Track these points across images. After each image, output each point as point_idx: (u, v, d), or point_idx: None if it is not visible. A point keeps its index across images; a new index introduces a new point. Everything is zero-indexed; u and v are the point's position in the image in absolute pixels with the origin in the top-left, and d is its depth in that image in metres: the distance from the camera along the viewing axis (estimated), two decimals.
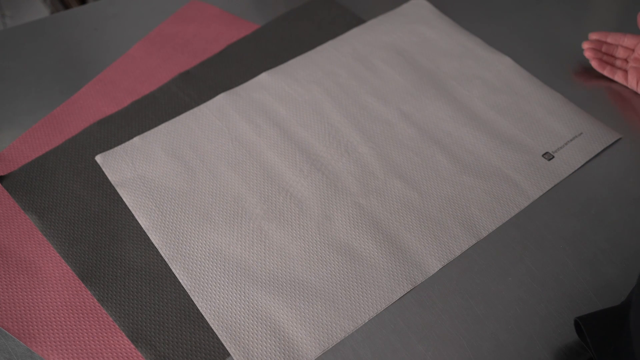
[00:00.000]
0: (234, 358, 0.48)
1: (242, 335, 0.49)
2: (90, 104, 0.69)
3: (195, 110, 0.67)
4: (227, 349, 0.49)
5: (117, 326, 0.51)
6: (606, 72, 0.68)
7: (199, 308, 0.51)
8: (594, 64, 0.68)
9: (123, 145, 0.64)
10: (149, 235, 0.56)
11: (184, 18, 0.80)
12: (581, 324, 0.45)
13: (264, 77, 0.71)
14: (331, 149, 0.63)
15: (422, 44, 0.74)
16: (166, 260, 0.54)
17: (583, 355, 0.48)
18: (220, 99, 0.68)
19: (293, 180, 0.60)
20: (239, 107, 0.67)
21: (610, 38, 0.68)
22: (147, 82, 0.72)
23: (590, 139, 0.62)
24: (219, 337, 0.49)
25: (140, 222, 0.57)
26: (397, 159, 0.62)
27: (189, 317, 0.51)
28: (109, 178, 0.61)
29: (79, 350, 0.50)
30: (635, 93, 0.67)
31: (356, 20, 0.79)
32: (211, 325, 0.50)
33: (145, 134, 0.65)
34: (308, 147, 0.63)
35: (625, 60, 0.67)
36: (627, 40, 0.67)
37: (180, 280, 0.53)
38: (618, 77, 0.67)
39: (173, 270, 0.54)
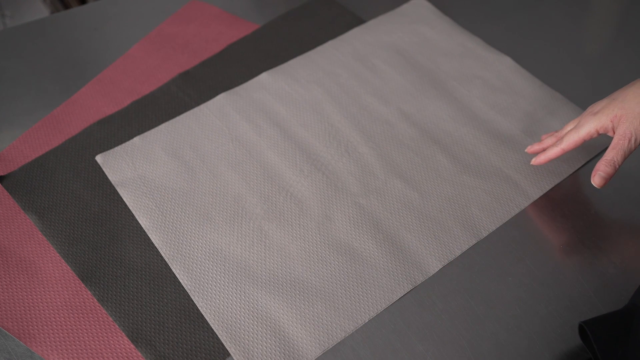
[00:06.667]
0: (234, 358, 0.48)
1: (242, 335, 0.49)
2: (90, 104, 0.69)
3: (195, 110, 0.67)
4: (227, 349, 0.49)
5: (117, 326, 0.51)
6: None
7: (199, 308, 0.51)
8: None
9: (123, 145, 0.64)
10: (149, 235, 0.56)
11: (184, 18, 0.80)
12: (587, 329, 0.44)
13: (264, 77, 0.71)
14: (331, 149, 0.63)
15: (423, 44, 0.74)
16: (166, 260, 0.54)
17: (582, 356, 0.48)
18: (220, 99, 0.68)
19: (293, 180, 0.60)
20: (239, 107, 0.67)
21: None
22: (147, 82, 0.72)
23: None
24: (219, 337, 0.49)
25: (140, 222, 0.57)
26: (397, 159, 0.62)
27: (189, 317, 0.51)
28: (109, 178, 0.61)
29: (79, 350, 0.50)
30: None
31: (356, 20, 0.78)
32: (211, 325, 0.50)
33: (145, 134, 0.65)
34: (308, 147, 0.63)
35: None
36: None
37: (180, 280, 0.53)
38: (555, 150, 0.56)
39: (173, 270, 0.54)
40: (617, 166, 0.50)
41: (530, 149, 0.60)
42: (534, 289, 0.52)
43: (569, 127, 0.56)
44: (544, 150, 0.57)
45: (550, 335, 0.49)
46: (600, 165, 0.51)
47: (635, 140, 0.49)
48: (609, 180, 0.50)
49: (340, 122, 0.65)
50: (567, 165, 0.60)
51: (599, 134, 0.53)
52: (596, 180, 0.51)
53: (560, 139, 0.55)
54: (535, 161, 0.57)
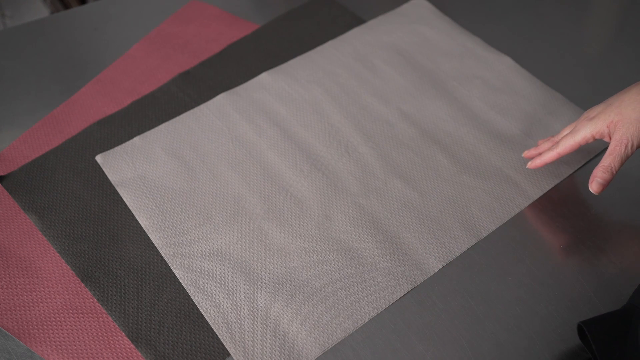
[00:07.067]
0: (234, 358, 0.48)
1: (242, 335, 0.49)
2: (90, 104, 0.69)
3: (195, 110, 0.67)
4: (227, 349, 0.49)
5: (117, 326, 0.51)
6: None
7: (199, 308, 0.51)
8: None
9: (123, 145, 0.64)
10: (149, 235, 0.56)
11: (184, 18, 0.80)
12: (585, 329, 0.45)
13: (264, 77, 0.71)
14: (331, 149, 0.63)
15: (423, 44, 0.74)
16: (166, 260, 0.54)
17: (582, 356, 0.48)
18: (220, 99, 0.68)
19: (293, 180, 0.60)
20: (239, 107, 0.67)
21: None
22: (147, 82, 0.72)
23: None
24: (219, 337, 0.49)
25: (140, 222, 0.57)
26: (397, 159, 0.62)
27: (189, 317, 0.51)
28: (109, 178, 0.61)
29: (79, 350, 0.50)
30: None
31: (356, 20, 0.79)
32: (211, 325, 0.50)
33: (146, 133, 0.65)
34: (308, 147, 0.63)
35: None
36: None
37: (180, 280, 0.53)
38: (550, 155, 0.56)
39: (173, 270, 0.54)
40: (615, 172, 0.50)
41: (526, 153, 0.60)
42: (534, 289, 0.52)
43: (565, 132, 0.57)
44: (540, 154, 0.58)
45: (550, 335, 0.49)
46: (597, 172, 0.51)
47: (632, 146, 0.49)
48: (607, 186, 0.51)
49: (340, 122, 0.65)
50: (567, 166, 0.60)
51: (594, 139, 0.53)
52: (594, 186, 0.51)
53: (556, 143, 0.55)
54: (531, 164, 0.58)
